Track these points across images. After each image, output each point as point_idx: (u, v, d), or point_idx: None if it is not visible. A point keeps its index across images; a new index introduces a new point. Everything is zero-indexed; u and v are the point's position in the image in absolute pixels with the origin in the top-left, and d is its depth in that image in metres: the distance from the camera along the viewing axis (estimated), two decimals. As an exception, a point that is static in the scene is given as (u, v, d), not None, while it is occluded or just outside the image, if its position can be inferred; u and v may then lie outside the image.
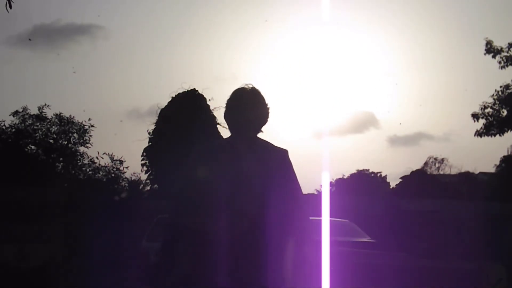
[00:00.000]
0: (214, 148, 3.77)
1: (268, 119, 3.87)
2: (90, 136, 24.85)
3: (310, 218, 3.81)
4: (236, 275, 3.58)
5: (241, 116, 3.79)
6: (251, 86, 3.86)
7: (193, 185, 3.70)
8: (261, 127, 3.86)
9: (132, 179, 25.29)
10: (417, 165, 52.36)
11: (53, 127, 24.68)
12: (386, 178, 51.51)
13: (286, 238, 3.69)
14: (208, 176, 3.65)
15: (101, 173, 24.43)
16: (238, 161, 3.68)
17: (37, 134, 24.51)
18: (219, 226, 3.59)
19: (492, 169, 37.23)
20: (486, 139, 24.92)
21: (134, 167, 24.30)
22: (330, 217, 7.48)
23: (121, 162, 23.98)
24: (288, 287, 3.66)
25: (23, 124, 24.26)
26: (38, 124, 24.48)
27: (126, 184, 25.11)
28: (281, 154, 3.84)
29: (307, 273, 3.78)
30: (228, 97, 3.88)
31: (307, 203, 3.85)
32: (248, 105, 3.80)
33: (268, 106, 3.85)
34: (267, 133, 3.87)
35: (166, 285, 3.76)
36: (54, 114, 24.65)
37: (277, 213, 3.65)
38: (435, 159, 49.08)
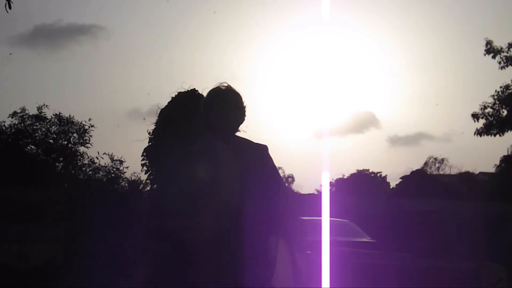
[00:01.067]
0: (193, 150, 3.72)
1: (245, 117, 3.82)
2: (90, 136, 24.81)
3: (303, 217, 3.78)
4: (218, 275, 3.52)
5: (219, 117, 3.74)
6: (226, 85, 3.81)
7: (173, 186, 3.63)
8: (239, 125, 3.81)
9: (132, 179, 25.25)
10: (417, 165, 52.31)
11: (53, 127, 24.65)
12: (386, 178, 51.53)
13: (271, 235, 3.63)
14: (189, 177, 3.61)
15: (101, 173, 24.39)
16: (218, 160, 3.63)
17: (37, 134, 24.48)
18: (203, 223, 3.52)
19: (492, 169, 37.23)
20: (486, 139, 24.89)
21: (134, 167, 24.21)
22: (330, 217, 7.47)
23: (121, 162, 23.92)
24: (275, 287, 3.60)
25: (22, 124, 24.21)
26: (37, 124, 24.43)
27: (126, 184, 25.05)
28: (260, 150, 3.78)
29: (298, 277, 3.73)
30: (205, 98, 3.85)
31: (292, 197, 3.80)
32: (226, 106, 3.75)
33: (244, 105, 3.81)
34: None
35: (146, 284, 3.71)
36: (53, 114, 24.62)
37: (259, 208, 3.60)
38: (435, 159, 49.05)
